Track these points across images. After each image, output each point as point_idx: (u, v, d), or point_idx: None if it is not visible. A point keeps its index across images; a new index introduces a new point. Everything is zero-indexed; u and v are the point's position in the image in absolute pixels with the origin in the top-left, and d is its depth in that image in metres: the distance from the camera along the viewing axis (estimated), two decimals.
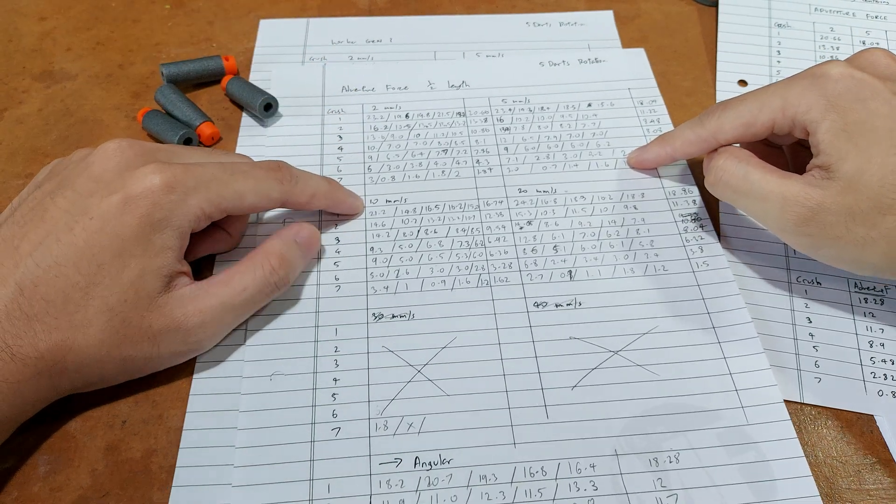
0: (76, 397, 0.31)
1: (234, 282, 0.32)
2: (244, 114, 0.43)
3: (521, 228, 0.38)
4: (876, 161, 0.29)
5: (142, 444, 0.30)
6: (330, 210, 0.37)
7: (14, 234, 0.29)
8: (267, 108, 0.42)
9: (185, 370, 0.32)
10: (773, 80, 0.45)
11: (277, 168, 0.34)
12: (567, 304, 0.35)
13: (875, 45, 0.34)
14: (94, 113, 0.44)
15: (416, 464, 0.29)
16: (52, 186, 0.30)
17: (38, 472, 0.29)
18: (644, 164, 0.40)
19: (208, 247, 0.35)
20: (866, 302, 0.35)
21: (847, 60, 0.33)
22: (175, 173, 0.30)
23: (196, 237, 0.33)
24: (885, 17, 0.49)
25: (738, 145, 0.35)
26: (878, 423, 0.31)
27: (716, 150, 0.35)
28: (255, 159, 0.39)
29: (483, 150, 0.41)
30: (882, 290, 0.35)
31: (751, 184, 0.32)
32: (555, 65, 0.46)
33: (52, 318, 0.28)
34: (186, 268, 0.31)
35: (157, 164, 0.30)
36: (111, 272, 0.28)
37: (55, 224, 0.29)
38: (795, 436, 0.30)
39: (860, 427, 0.31)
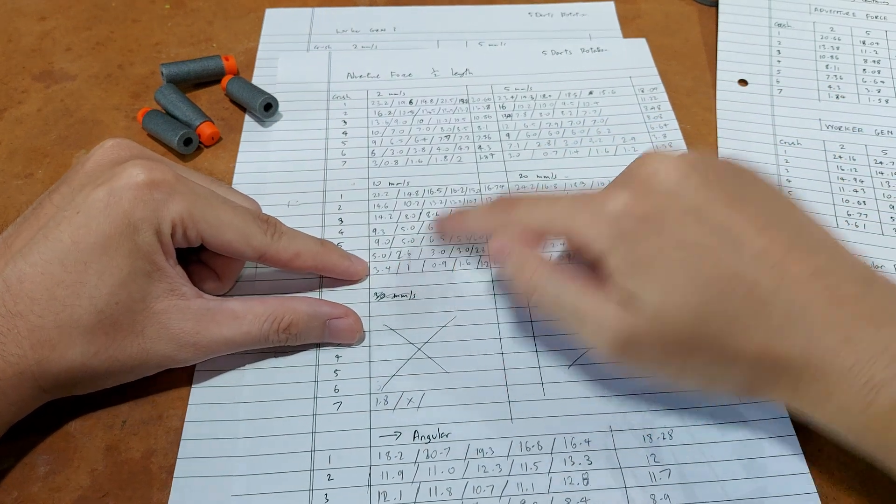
0: (76, 397, 0.30)
1: (244, 320, 0.30)
2: (246, 115, 0.43)
3: None
4: (676, 300, 0.26)
5: (141, 444, 0.30)
6: (320, 273, 0.35)
7: (11, 232, 0.29)
8: (267, 108, 0.42)
9: (185, 369, 0.32)
10: (774, 81, 0.46)
11: (266, 219, 0.32)
12: None
13: (653, 153, 0.29)
14: (93, 113, 0.44)
15: (415, 437, 0.30)
16: (55, 186, 0.31)
17: (37, 473, 0.29)
18: (442, 234, 0.36)
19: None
20: None
21: (629, 177, 0.29)
22: (163, 173, 0.29)
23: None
24: (885, 18, 0.49)
25: None
26: None
27: (512, 251, 0.31)
28: (259, 157, 0.41)
29: (485, 136, 0.42)
30: None
31: (563, 305, 0.29)
32: (557, 53, 0.47)
33: (37, 316, 0.27)
34: (183, 277, 0.30)
35: (145, 161, 0.29)
36: (98, 271, 0.27)
37: (46, 220, 0.28)
38: (787, 414, 0.31)
39: None
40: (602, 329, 0.28)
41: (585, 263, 0.31)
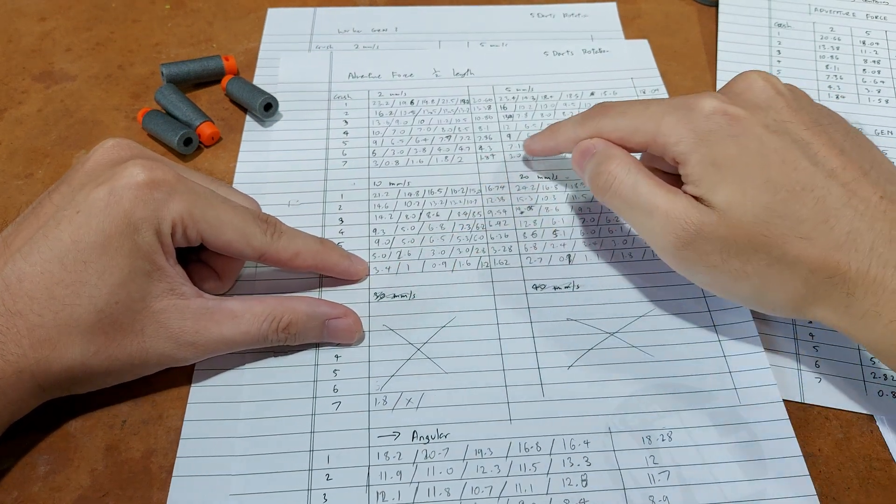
0: (76, 397, 0.30)
1: (243, 320, 0.30)
2: (247, 115, 0.43)
3: (521, 213, 0.38)
4: (748, 196, 0.28)
5: (142, 444, 0.30)
6: (319, 272, 0.35)
7: (11, 231, 0.29)
8: (267, 108, 0.42)
9: (184, 369, 0.32)
10: None
11: (265, 219, 0.32)
12: (565, 287, 0.35)
13: (752, 70, 0.32)
14: (93, 113, 0.44)
15: (413, 437, 0.30)
16: (54, 186, 0.31)
17: (37, 472, 0.29)
18: (533, 152, 0.39)
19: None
20: None
21: (723, 90, 0.32)
22: (163, 173, 0.29)
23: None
24: (885, 18, 0.49)
25: None
26: (878, 423, 0.31)
27: (598, 147, 0.33)
28: (259, 157, 0.41)
29: (486, 137, 0.42)
30: None
31: (639, 196, 0.30)
32: (559, 54, 0.47)
33: (36, 315, 0.27)
34: (183, 276, 0.30)
35: (146, 160, 0.29)
36: (98, 270, 0.27)
37: (45, 219, 0.29)
38: (787, 417, 0.31)
39: (860, 427, 0.31)
40: (669, 223, 0.29)
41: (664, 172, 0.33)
